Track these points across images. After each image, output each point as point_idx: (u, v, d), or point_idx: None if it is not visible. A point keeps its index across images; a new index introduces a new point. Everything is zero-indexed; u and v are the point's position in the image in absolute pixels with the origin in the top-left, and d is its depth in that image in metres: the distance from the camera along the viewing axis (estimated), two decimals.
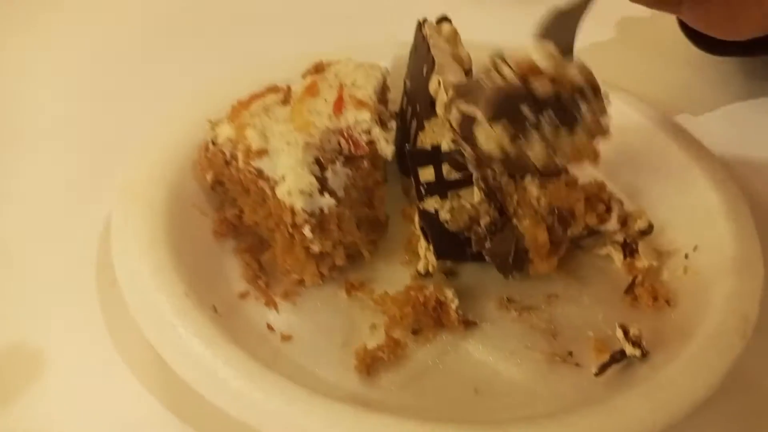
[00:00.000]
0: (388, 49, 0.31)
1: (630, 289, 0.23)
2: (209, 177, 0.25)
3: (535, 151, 0.21)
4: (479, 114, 0.21)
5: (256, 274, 0.24)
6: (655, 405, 0.18)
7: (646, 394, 0.18)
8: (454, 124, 0.22)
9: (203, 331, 0.20)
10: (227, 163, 0.24)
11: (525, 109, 0.21)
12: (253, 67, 0.30)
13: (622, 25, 0.40)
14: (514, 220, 0.23)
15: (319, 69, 0.27)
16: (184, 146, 0.26)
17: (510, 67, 0.21)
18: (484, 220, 0.23)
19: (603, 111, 0.22)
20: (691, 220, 0.24)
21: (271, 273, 0.25)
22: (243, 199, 0.24)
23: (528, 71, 0.21)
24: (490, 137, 0.21)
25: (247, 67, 0.30)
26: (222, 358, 0.19)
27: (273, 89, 0.25)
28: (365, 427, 0.18)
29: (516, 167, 0.22)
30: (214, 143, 0.24)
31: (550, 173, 0.22)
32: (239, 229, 0.26)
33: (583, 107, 0.21)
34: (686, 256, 0.24)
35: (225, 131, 0.24)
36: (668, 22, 0.32)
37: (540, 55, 0.21)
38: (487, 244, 0.23)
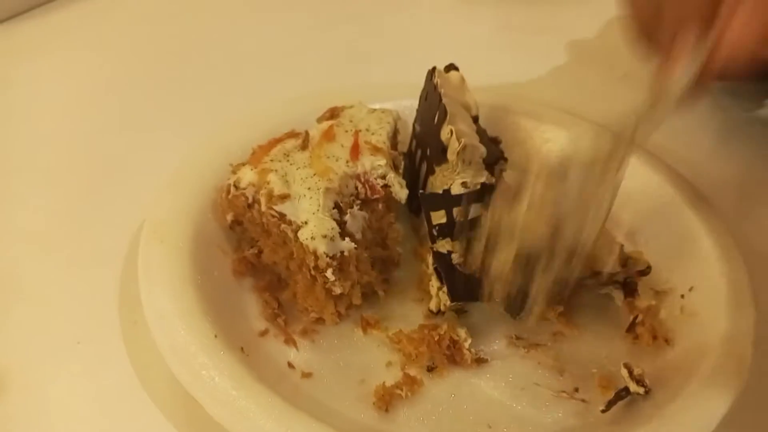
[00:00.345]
0: (396, 92, 0.33)
1: (631, 327, 0.25)
2: (229, 218, 0.26)
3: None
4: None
5: (276, 313, 0.25)
6: None
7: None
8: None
9: (234, 373, 0.21)
10: (249, 206, 0.25)
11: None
12: (270, 110, 0.31)
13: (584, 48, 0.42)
14: None
15: (334, 114, 0.28)
16: (206, 189, 0.27)
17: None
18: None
19: None
20: (686, 262, 0.26)
21: (289, 311, 0.26)
22: (263, 240, 0.25)
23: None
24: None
25: (264, 108, 0.31)
26: (253, 400, 0.20)
27: (292, 134, 0.27)
28: None
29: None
30: (236, 187, 0.25)
31: None
32: (257, 268, 0.27)
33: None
34: (682, 296, 0.25)
35: (247, 176, 0.25)
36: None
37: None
38: (497, 287, 0.24)
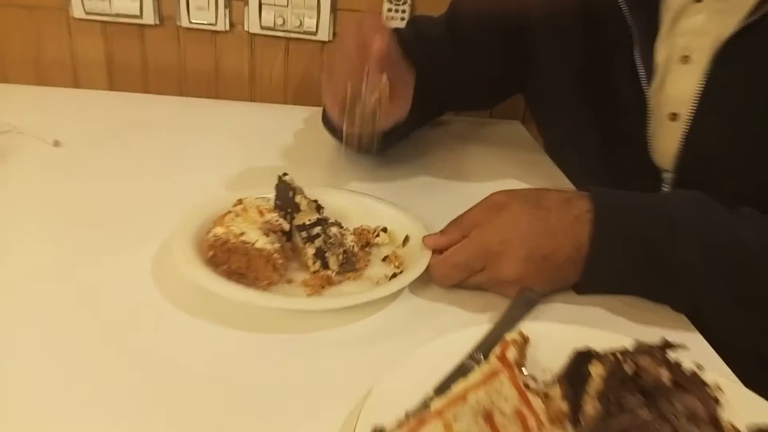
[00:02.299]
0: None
1: None
2: (210, 253, 0.53)
3: None
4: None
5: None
6: None
7: None
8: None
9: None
10: (224, 243, 0.53)
11: None
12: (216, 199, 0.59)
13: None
14: None
15: (240, 201, 0.58)
16: (194, 240, 0.54)
17: None
18: None
19: None
20: None
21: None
22: (233, 257, 0.53)
23: None
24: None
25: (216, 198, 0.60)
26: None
27: (236, 204, 0.56)
28: None
29: None
30: (215, 236, 0.53)
31: None
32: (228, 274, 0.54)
33: None
34: None
35: (218, 230, 0.53)
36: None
37: None
38: None
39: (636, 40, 0.70)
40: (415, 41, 0.84)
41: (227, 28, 1.10)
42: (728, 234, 0.52)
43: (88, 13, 1.07)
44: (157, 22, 1.09)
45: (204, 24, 1.09)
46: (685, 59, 0.68)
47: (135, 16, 1.07)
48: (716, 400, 0.36)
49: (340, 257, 0.54)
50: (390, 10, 1.06)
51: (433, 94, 0.81)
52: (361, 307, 0.49)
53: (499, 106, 1.06)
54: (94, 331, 0.47)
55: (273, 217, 0.54)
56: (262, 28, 1.09)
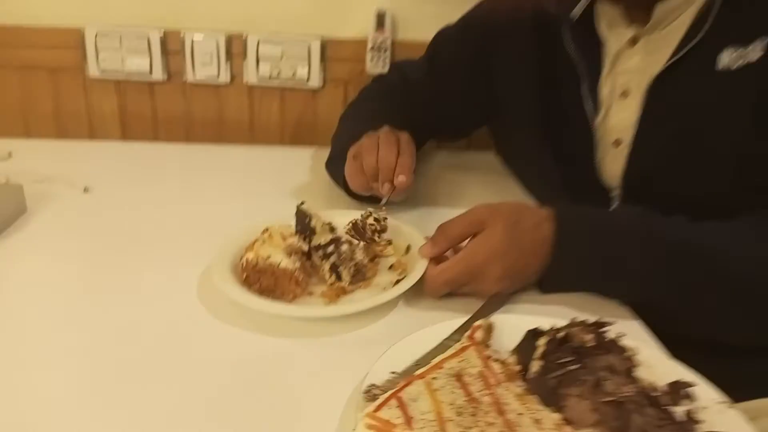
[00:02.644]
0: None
1: None
2: (244, 275, 0.65)
3: None
4: None
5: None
6: None
7: None
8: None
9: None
10: (255, 265, 0.64)
11: None
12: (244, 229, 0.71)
13: None
14: None
15: (267, 229, 0.70)
16: (231, 264, 0.66)
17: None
18: None
19: None
20: None
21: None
22: (262, 277, 0.64)
23: None
24: None
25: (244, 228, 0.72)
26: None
27: (264, 232, 0.67)
28: None
29: None
30: (247, 260, 0.65)
31: None
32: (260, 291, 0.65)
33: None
34: None
35: (249, 255, 0.65)
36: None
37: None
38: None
39: (583, 79, 0.84)
40: (403, 88, 0.99)
41: (229, 80, 1.23)
42: (664, 239, 0.65)
43: (102, 72, 1.20)
44: (166, 78, 1.22)
45: (208, 78, 1.22)
46: (625, 94, 0.82)
47: (146, 74, 1.20)
48: (631, 360, 0.48)
49: (352, 270, 0.66)
50: (372, 59, 1.20)
51: (420, 131, 0.95)
52: (372, 310, 0.61)
53: (477, 139, 1.19)
54: (149, 343, 0.58)
55: (294, 240, 0.66)
56: (259, 79, 1.22)
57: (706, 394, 0.48)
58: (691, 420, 0.45)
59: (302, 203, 0.69)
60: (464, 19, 1.01)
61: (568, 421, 0.42)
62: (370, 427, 0.39)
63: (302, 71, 1.22)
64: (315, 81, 1.23)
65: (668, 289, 0.64)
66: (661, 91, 0.77)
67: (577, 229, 0.66)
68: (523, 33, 0.91)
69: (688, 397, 0.47)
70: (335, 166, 0.92)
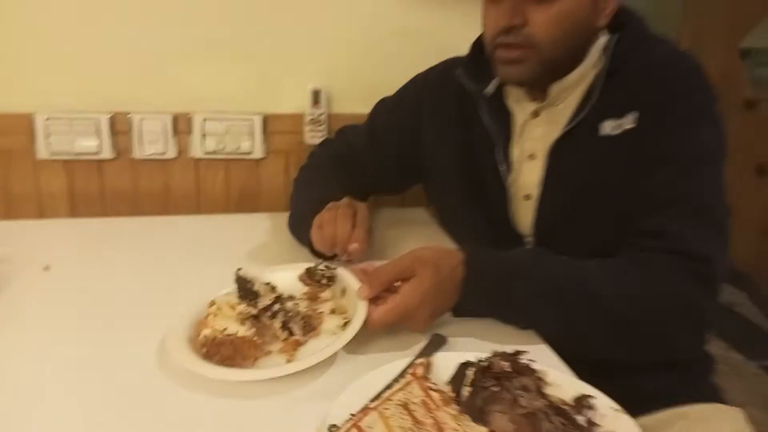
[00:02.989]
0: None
1: None
2: (204, 350, 0.72)
3: None
4: None
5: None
6: None
7: None
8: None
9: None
10: (213, 339, 0.71)
11: None
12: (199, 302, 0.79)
13: None
14: None
15: (213, 302, 0.77)
16: (186, 340, 0.73)
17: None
18: None
19: None
20: None
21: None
22: (222, 348, 0.71)
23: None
24: None
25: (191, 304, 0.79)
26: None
27: (211, 305, 0.75)
28: None
29: None
30: (206, 336, 0.72)
31: None
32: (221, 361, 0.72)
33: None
34: None
35: (207, 332, 0.72)
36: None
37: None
38: None
39: (497, 144, 0.98)
40: (348, 154, 1.13)
41: (175, 155, 1.31)
42: (558, 276, 0.79)
43: (52, 154, 1.26)
44: (114, 156, 1.29)
45: (155, 154, 1.30)
46: (531, 156, 0.97)
47: (95, 153, 1.27)
48: (541, 380, 0.59)
49: (300, 323, 0.74)
50: (310, 131, 1.33)
51: (363, 190, 1.11)
52: (329, 359, 0.70)
53: (409, 197, 1.32)
54: (110, 407, 0.64)
55: (242, 308, 0.73)
56: (205, 153, 1.32)
57: (603, 403, 0.60)
58: (591, 425, 0.56)
59: (239, 269, 0.76)
60: (399, 93, 1.16)
61: None
62: None
63: (246, 144, 1.32)
64: (258, 153, 1.33)
65: (549, 318, 0.78)
66: (559, 154, 0.93)
67: (481, 270, 0.79)
68: (447, 106, 1.06)
69: (590, 407, 0.59)
70: (298, 229, 1.03)
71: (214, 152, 1.32)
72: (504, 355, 0.60)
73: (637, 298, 0.77)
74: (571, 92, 0.93)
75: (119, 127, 1.28)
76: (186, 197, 1.35)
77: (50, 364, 0.72)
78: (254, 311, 0.73)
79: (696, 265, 0.77)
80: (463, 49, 1.03)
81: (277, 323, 0.74)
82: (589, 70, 0.92)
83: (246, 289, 0.74)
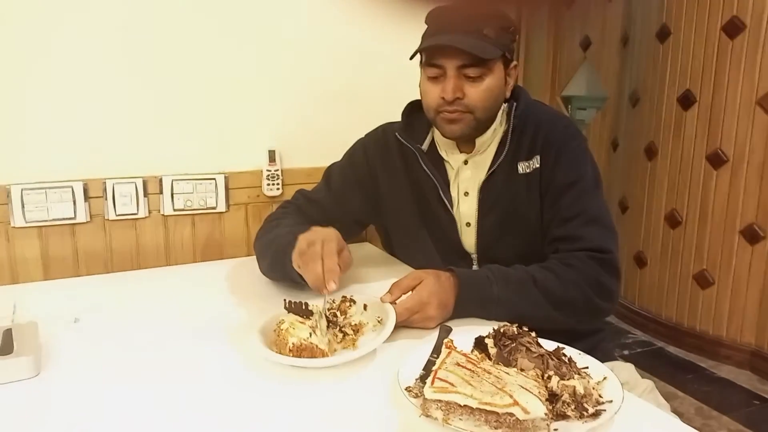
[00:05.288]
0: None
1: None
2: (291, 354, 0.92)
3: None
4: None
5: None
6: None
7: None
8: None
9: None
10: (300, 345, 0.91)
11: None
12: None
13: None
14: None
15: (282, 321, 0.97)
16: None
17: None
18: None
19: None
20: None
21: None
22: (304, 352, 0.91)
23: None
24: None
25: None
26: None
27: (281, 323, 0.95)
28: None
29: None
30: (293, 344, 0.91)
31: None
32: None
33: None
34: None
35: (292, 339, 0.92)
36: None
37: None
38: None
39: (439, 186, 1.29)
40: (307, 205, 1.34)
41: (147, 215, 1.45)
42: (515, 278, 1.10)
43: (27, 222, 1.33)
44: (88, 220, 1.39)
45: (127, 215, 1.43)
46: (466, 194, 1.29)
47: (69, 218, 1.37)
48: (535, 338, 0.89)
49: (349, 327, 0.98)
50: (268, 185, 1.54)
51: None
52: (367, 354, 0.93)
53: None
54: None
55: (310, 322, 0.94)
56: (174, 210, 1.47)
57: (571, 351, 0.91)
58: (571, 361, 0.87)
59: (287, 300, 0.97)
60: (348, 156, 1.41)
61: (521, 369, 0.80)
62: (439, 390, 0.73)
63: (211, 200, 1.50)
64: (221, 207, 1.52)
65: (517, 306, 1.09)
66: (487, 191, 1.26)
67: (467, 281, 1.09)
68: (393, 160, 1.35)
69: (565, 354, 0.90)
70: (281, 262, 1.15)
71: (182, 209, 1.47)
72: (509, 326, 0.89)
73: (568, 284, 1.11)
74: (488, 144, 1.27)
75: (93, 193, 1.39)
76: (156, 251, 1.48)
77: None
78: (324, 321, 0.95)
79: (600, 255, 1.13)
80: (393, 110, 1.30)
81: (332, 330, 0.96)
82: (498, 128, 1.27)
83: (303, 310, 0.96)
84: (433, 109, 1.22)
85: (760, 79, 2.43)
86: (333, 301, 1.05)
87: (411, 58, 1.18)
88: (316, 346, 0.90)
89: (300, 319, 0.94)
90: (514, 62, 1.24)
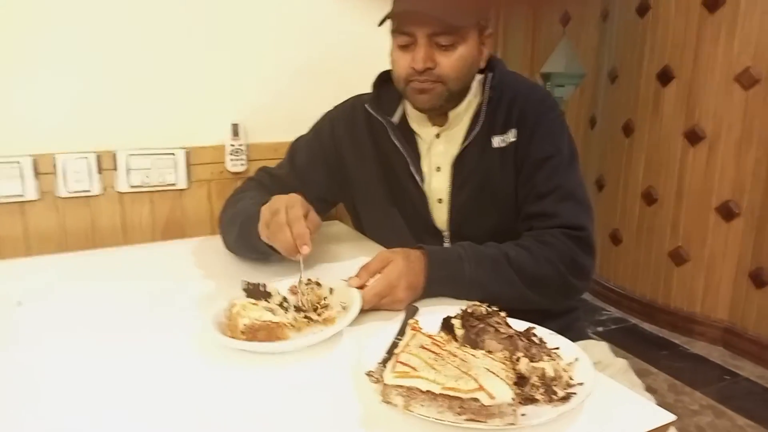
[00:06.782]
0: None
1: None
2: (243, 336, 0.86)
3: None
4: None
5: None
6: None
7: None
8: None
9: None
10: (252, 325, 0.85)
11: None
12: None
13: None
14: None
15: (234, 304, 0.92)
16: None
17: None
18: None
19: None
20: None
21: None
22: (259, 333, 0.86)
23: None
24: None
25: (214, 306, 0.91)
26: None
27: (233, 307, 0.89)
28: None
29: None
30: (245, 325, 0.86)
31: None
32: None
33: None
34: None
35: (243, 320, 0.86)
36: None
37: None
38: None
39: (409, 161, 1.23)
40: (271, 182, 1.27)
41: (101, 191, 1.37)
42: (488, 256, 1.06)
43: None
44: (38, 197, 1.31)
45: (80, 192, 1.35)
46: (438, 169, 1.24)
47: (18, 195, 1.29)
48: (504, 318, 0.85)
49: (312, 310, 0.92)
50: (232, 160, 1.47)
51: None
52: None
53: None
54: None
55: (264, 303, 0.89)
56: (131, 187, 1.40)
57: (542, 331, 0.87)
58: (542, 341, 0.83)
59: (246, 282, 0.92)
60: (314, 130, 1.34)
61: (489, 352, 0.76)
62: (400, 375, 0.68)
63: (170, 177, 1.42)
64: (182, 183, 1.44)
65: (490, 284, 1.04)
66: (460, 166, 1.21)
67: (437, 259, 1.03)
68: (361, 134, 1.28)
69: (535, 334, 0.86)
70: (247, 233, 1.09)
71: (139, 186, 1.40)
72: (477, 306, 0.84)
73: (542, 262, 1.06)
74: (462, 117, 1.22)
75: (43, 169, 1.31)
76: (112, 231, 1.41)
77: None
78: (277, 303, 0.89)
79: (575, 233, 1.09)
80: (363, 84, 1.24)
81: (291, 313, 0.90)
82: (473, 100, 1.21)
83: (259, 292, 0.90)
84: (403, 80, 1.16)
85: (739, 55, 2.40)
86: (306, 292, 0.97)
87: (379, 24, 1.11)
88: (276, 323, 0.85)
89: (253, 301, 0.89)
90: (489, 30, 1.18)
